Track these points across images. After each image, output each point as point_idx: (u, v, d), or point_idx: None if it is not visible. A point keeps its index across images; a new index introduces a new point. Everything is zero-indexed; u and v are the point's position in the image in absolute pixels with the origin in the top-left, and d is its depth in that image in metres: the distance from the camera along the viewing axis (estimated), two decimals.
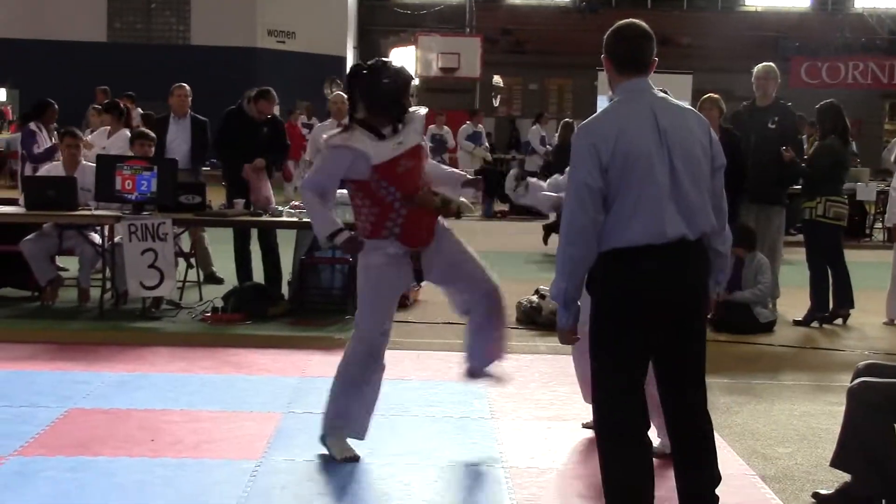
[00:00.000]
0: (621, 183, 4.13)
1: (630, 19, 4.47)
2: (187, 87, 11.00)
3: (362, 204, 5.51)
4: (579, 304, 4.29)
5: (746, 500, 5.26)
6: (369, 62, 5.67)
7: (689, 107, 4.53)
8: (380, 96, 5.52)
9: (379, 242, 5.49)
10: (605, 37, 4.40)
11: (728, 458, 5.79)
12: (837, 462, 4.96)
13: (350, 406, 5.55)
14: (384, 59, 5.73)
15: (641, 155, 4.14)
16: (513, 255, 13.83)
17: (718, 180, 4.38)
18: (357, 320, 5.55)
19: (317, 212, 5.61)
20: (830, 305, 9.90)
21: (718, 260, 4.37)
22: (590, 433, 5.93)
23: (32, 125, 12.73)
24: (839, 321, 9.89)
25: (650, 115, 4.23)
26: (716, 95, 9.68)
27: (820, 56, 33.30)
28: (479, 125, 22.53)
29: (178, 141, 10.86)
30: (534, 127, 23.55)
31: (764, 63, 10.07)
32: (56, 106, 13.05)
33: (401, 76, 5.59)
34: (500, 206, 20.38)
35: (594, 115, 4.37)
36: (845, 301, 9.90)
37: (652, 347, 4.30)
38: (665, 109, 4.29)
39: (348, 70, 5.68)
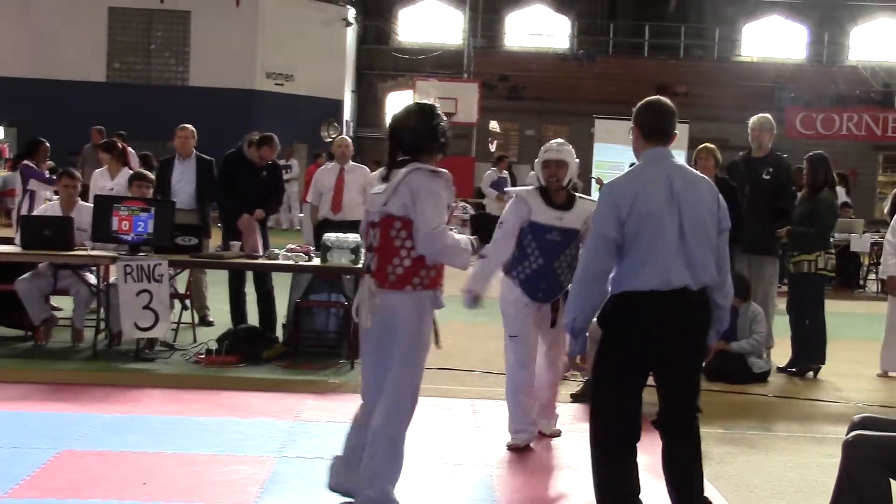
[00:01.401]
0: (636, 236, 4.83)
1: (657, 96, 5.19)
2: (191, 128, 11.04)
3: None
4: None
5: None
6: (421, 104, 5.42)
7: (704, 176, 5.19)
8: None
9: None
10: (636, 109, 5.09)
11: None
12: None
13: None
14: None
15: (654, 215, 4.83)
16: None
17: (723, 241, 5.04)
18: None
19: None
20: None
21: (718, 312, 5.05)
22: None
23: (28, 162, 12.74)
24: (810, 374, 9.85)
25: (667, 180, 4.91)
26: (712, 146, 9.75)
27: (815, 107, 33.54)
28: (504, 171, 22.46)
29: (183, 182, 10.88)
30: (532, 173, 23.61)
31: (759, 114, 10.14)
32: (47, 144, 13.09)
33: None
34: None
35: (618, 177, 5.05)
36: (820, 355, 9.87)
37: (649, 371, 5.02)
38: (680, 176, 4.97)
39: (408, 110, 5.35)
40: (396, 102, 35.01)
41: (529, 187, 7.08)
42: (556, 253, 6.74)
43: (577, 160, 6.95)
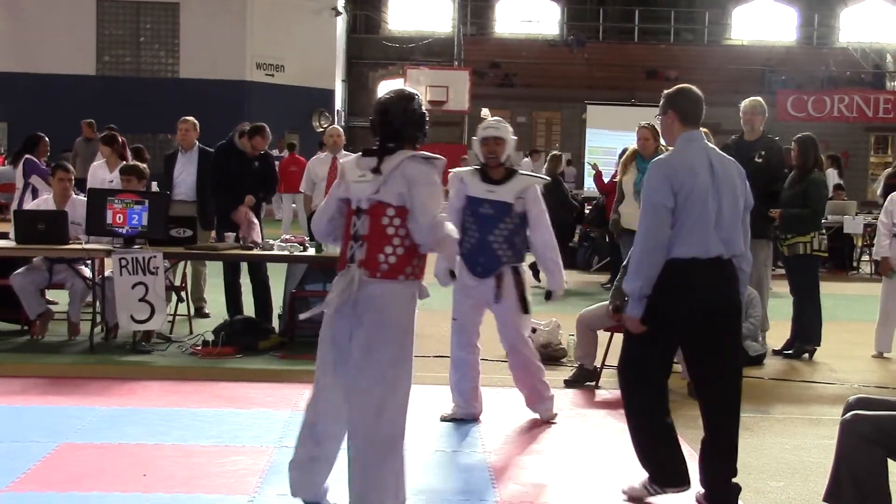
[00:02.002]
0: (683, 209, 5.36)
1: (689, 85, 5.78)
2: (192, 120, 11.03)
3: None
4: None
5: None
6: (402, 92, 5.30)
7: (731, 158, 5.73)
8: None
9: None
10: (671, 95, 5.66)
11: None
12: (830, 496, 4.96)
13: None
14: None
15: (700, 189, 5.37)
16: None
17: (746, 216, 5.62)
18: None
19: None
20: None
21: (742, 275, 5.61)
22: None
23: (30, 157, 12.74)
24: (806, 356, 9.88)
25: (707, 160, 5.48)
26: (704, 129, 9.72)
27: (806, 89, 33.57)
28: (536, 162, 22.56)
29: (185, 174, 10.89)
30: (525, 160, 23.65)
31: (751, 98, 10.15)
32: (47, 139, 13.08)
33: None
34: None
35: (670, 155, 5.55)
36: (815, 337, 9.91)
37: (684, 336, 5.54)
38: (717, 157, 5.56)
39: (392, 97, 5.22)
40: (389, 90, 35.00)
41: (472, 168, 7.30)
42: (490, 227, 7.00)
43: (515, 137, 7.27)
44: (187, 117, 11.08)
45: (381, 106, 5.20)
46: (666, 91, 5.79)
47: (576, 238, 18.15)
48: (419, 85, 29.94)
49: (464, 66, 33.38)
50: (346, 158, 5.58)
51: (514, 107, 35.23)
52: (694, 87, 5.72)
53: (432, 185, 5.03)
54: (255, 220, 10.42)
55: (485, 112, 31.93)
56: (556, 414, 7.35)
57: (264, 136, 10.48)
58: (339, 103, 35.28)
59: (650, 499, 5.65)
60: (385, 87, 35.64)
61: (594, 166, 16.40)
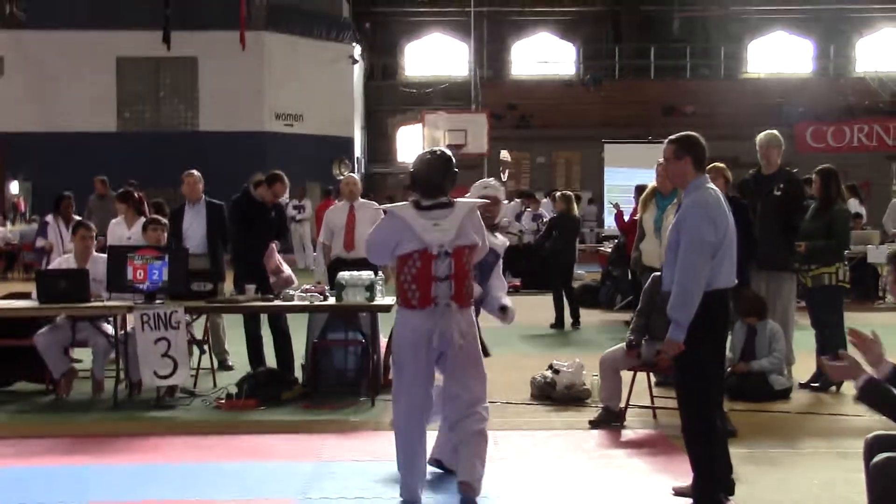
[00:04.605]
0: (720, 245, 5.95)
1: (695, 133, 6.28)
2: (197, 174, 11.09)
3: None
4: None
5: None
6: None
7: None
8: None
9: None
10: (686, 141, 6.16)
11: None
12: None
13: None
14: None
15: (729, 228, 6.03)
16: (519, 330, 13.76)
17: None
18: None
19: None
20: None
21: None
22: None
23: (49, 217, 12.85)
24: (833, 389, 9.77)
25: (724, 200, 6.13)
26: (721, 164, 9.75)
27: (825, 120, 33.51)
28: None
29: (194, 227, 10.93)
30: (545, 200, 23.77)
31: (766, 131, 10.14)
32: (71, 197, 13.19)
33: None
34: (511, 281, 20.34)
35: (700, 197, 6.01)
36: None
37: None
38: (723, 197, 6.22)
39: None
40: (406, 137, 35.23)
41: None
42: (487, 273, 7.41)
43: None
44: (192, 171, 11.15)
45: (426, 164, 6.27)
46: (677, 137, 6.24)
47: (598, 277, 18.13)
48: (437, 129, 30.10)
49: (481, 108, 33.50)
50: (398, 212, 6.23)
51: (533, 147, 35.33)
52: (698, 135, 6.26)
53: (482, 224, 6.42)
54: (286, 268, 10.49)
55: (504, 154, 32.07)
56: None
57: (283, 183, 10.56)
58: (358, 150, 35.45)
59: None
60: (404, 133, 35.88)
61: (615, 206, 16.37)
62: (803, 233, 9.73)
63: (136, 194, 12.09)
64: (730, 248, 6.03)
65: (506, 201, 21.04)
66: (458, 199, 6.24)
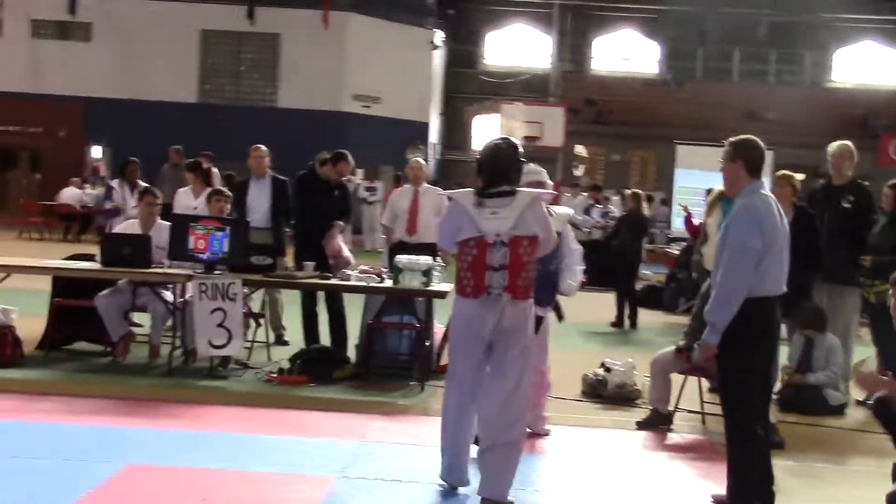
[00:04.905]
0: (768, 251, 5.87)
1: (753, 136, 6.15)
2: (264, 148, 11.16)
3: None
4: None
5: None
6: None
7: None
8: None
9: None
10: (740, 145, 6.07)
11: None
12: None
13: None
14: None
15: (780, 235, 5.96)
16: (579, 327, 13.70)
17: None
18: None
19: None
20: None
21: None
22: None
23: (114, 182, 13.04)
24: None
25: (776, 207, 6.01)
26: (789, 173, 9.65)
27: None
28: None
29: (259, 201, 11.00)
30: (615, 198, 23.56)
31: (839, 142, 9.95)
32: (137, 163, 13.38)
33: None
34: None
35: (750, 202, 5.94)
36: None
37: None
38: (775, 204, 6.04)
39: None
40: (482, 126, 35.17)
41: None
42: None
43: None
44: (258, 145, 11.22)
45: (492, 151, 6.20)
46: (732, 140, 6.16)
47: (664, 278, 17.98)
48: (514, 120, 29.97)
49: (559, 102, 33.32)
50: (460, 198, 6.21)
51: (609, 144, 35.12)
52: (758, 139, 6.14)
53: (549, 219, 6.33)
54: (346, 251, 10.55)
55: (579, 149, 31.92)
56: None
57: (348, 161, 10.60)
58: (434, 136, 35.49)
59: None
60: (480, 122, 35.83)
61: (684, 208, 16.22)
62: (870, 247, 9.53)
63: (204, 165, 12.19)
64: (778, 255, 5.95)
65: (571, 195, 21.03)
66: (522, 189, 6.16)
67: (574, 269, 7.74)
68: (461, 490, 6.26)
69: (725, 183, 6.20)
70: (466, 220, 6.06)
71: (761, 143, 6.11)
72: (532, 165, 7.56)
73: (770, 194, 6.11)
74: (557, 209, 7.63)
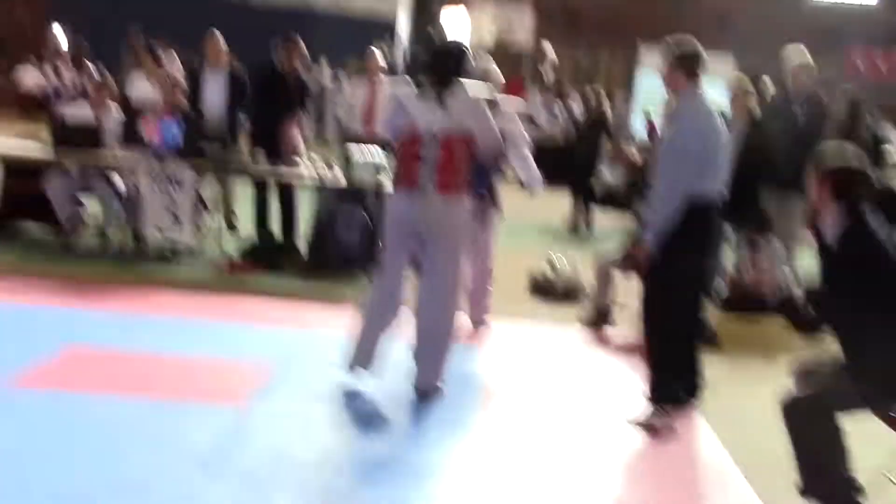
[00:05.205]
0: (704, 156, 5.92)
1: (690, 37, 6.16)
2: (219, 37, 11.00)
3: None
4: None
5: (716, 480, 5.32)
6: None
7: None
8: None
9: None
10: (681, 48, 6.06)
11: (706, 439, 5.88)
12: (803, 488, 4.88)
13: None
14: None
15: (718, 140, 6.09)
16: (533, 226, 13.81)
17: None
18: None
19: None
20: None
21: None
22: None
23: (62, 63, 12.84)
24: None
25: (715, 110, 6.17)
26: (745, 78, 9.67)
27: (877, 46, 32.84)
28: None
29: (214, 91, 10.89)
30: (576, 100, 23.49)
31: (796, 51, 9.96)
32: (86, 46, 13.16)
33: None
34: None
35: (689, 106, 6.04)
36: None
37: None
38: (715, 107, 6.20)
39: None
40: (452, 24, 34.81)
41: None
42: None
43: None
44: (215, 31, 11.04)
45: (437, 48, 6.33)
46: (671, 43, 6.15)
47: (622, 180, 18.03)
48: (482, 17, 29.73)
49: (528, 2, 32.96)
50: (400, 91, 6.23)
51: (578, 45, 34.83)
52: (696, 42, 6.12)
53: (490, 120, 6.19)
54: (302, 144, 10.51)
55: (547, 48, 31.70)
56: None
57: (297, 45, 10.37)
58: (403, 31, 35.10)
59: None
60: (448, 15, 35.44)
61: (647, 114, 16.19)
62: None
63: (159, 52, 12.06)
64: (716, 158, 6.02)
65: (538, 95, 20.96)
66: (463, 86, 6.11)
67: (528, 163, 7.81)
68: (398, 377, 6.37)
69: (665, 85, 6.19)
70: (404, 114, 6.08)
71: (700, 47, 6.11)
72: (480, 61, 7.64)
73: (708, 97, 6.16)
74: (506, 104, 7.65)
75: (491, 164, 7.42)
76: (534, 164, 7.94)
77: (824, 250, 4.72)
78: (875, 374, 4.54)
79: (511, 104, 8.07)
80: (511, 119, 7.77)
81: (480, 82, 6.50)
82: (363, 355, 6.21)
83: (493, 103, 6.86)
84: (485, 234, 7.78)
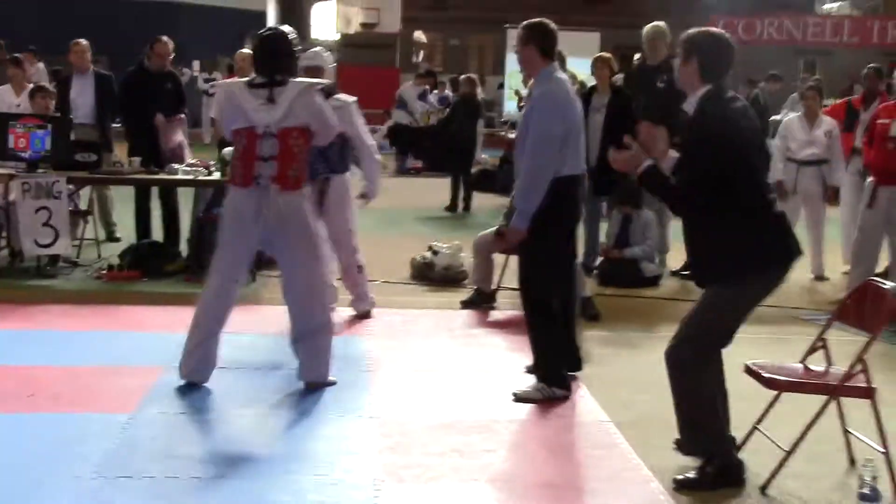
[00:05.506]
0: (566, 137, 6.05)
1: (545, 19, 6.24)
2: (85, 42, 10.94)
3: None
4: None
5: (598, 444, 5.54)
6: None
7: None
8: None
9: None
10: (531, 27, 6.18)
11: (588, 406, 6.09)
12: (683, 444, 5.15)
13: None
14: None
15: (577, 118, 6.24)
16: (414, 212, 13.98)
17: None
18: None
19: None
20: None
21: None
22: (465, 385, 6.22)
23: None
24: None
25: (571, 91, 6.29)
26: (608, 55, 9.99)
27: (737, 13, 33.68)
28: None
29: (83, 97, 10.82)
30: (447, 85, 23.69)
31: (652, 23, 10.28)
32: None
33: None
34: (414, 163, 20.38)
35: (548, 89, 6.10)
36: None
37: None
38: (571, 87, 6.33)
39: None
40: (320, 14, 34.75)
41: None
42: None
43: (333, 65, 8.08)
44: (80, 40, 10.99)
45: (264, 42, 6.16)
46: (525, 23, 6.27)
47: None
48: (351, 6, 29.77)
49: None
50: (227, 87, 6.29)
51: (448, 30, 35.11)
52: (550, 22, 6.23)
53: (325, 109, 6.16)
54: (186, 148, 10.47)
55: (418, 35, 31.93)
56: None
57: (163, 42, 10.33)
58: (271, 24, 34.89)
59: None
60: (319, 9, 35.37)
61: (517, 92, 16.51)
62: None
63: (23, 61, 11.89)
64: (576, 138, 6.17)
65: (411, 82, 21.15)
66: (294, 80, 6.08)
67: (374, 170, 7.91)
68: (284, 373, 6.46)
69: (521, 65, 6.32)
70: (238, 111, 6.04)
71: (554, 27, 6.23)
72: (311, 51, 7.68)
73: (564, 77, 6.31)
74: (343, 97, 7.67)
75: (334, 147, 7.41)
76: (379, 175, 7.99)
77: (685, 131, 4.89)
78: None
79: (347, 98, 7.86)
80: (352, 114, 7.72)
81: (309, 80, 6.37)
82: (195, 360, 6.21)
83: (329, 93, 6.78)
84: (342, 216, 7.79)
